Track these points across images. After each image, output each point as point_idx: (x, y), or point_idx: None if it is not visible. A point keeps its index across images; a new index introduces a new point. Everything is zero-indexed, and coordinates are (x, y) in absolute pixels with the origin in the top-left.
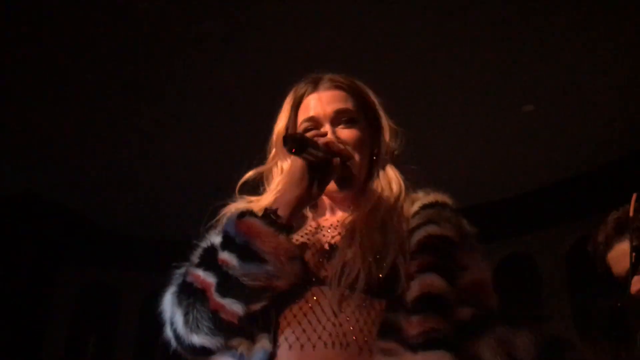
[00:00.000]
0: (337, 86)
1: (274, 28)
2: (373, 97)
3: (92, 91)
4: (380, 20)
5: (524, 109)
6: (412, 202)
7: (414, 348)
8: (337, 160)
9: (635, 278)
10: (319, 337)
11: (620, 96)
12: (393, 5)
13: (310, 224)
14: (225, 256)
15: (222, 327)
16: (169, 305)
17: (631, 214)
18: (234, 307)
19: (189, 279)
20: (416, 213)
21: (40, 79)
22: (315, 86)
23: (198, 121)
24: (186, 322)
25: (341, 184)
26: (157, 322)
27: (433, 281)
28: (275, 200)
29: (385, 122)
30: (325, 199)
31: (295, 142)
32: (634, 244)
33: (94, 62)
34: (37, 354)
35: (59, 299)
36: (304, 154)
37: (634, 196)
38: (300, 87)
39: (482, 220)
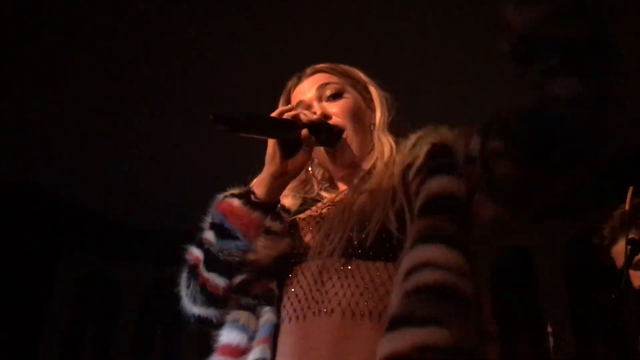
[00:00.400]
0: (318, 70)
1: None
2: (360, 73)
3: (90, 82)
4: (378, 18)
5: None
6: (410, 146)
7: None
8: (304, 132)
9: (635, 273)
10: (309, 307)
11: (627, 89)
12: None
13: (324, 202)
14: (207, 234)
15: (211, 299)
16: (181, 281)
17: (627, 207)
18: (216, 280)
19: (188, 256)
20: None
21: (37, 70)
22: (299, 78)
23: (198, 113)
24: (187, 295)
25: (333, 156)
26: (156, 312)
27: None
28: (254, 181)
29: (375, 92)
30: (334, 175)
31: (225, 121)
32: (629, 237)
33: (92, 53)
34: (35, 344)
35: (58, 289)
36: (250, 132)
37: (630, 189)
38: (288, 84)
39: None
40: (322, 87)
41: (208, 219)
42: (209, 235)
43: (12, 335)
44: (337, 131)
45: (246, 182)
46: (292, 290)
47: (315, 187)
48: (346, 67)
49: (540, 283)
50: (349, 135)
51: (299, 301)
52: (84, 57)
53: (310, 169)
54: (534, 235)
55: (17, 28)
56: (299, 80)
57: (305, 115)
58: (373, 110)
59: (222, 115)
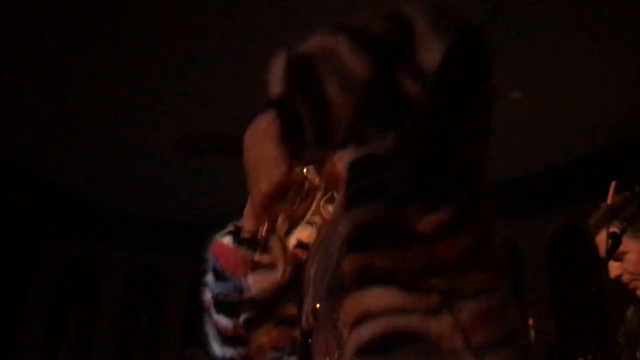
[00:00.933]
0: None
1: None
2: None
3: (76, 63)
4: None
5: (511, 97)
6: None
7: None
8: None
9: (613, 264)
10: (312, 348)
11: (607, 85)
12: None
13: (320, 225)
14: (208, 277)
15: (225, 339)
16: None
17: (609, 201)
18: (224, 322)
19: (203, 297)
20: None
21: (20, 50)
22: None
23: (184, 98)
24: (208, 336)
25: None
26: (140, 297)
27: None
28: (244, 213)
29: None
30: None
31: (186, 147)
32: (611, 230)
33: (77, 34)
34: (18, 327)
35: (41, 274)
36: (223, 153)
37: (613, 184)
38: None
39: None
40: None
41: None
42: (209, 278)
43: None
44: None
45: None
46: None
47: (320, 204)
48: None
49: (523, 276)
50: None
51: (299, 341)
52: (66, 33)
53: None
54: (518, 229)
55: None
56: None
57: None
58: None
59: (182, 144)
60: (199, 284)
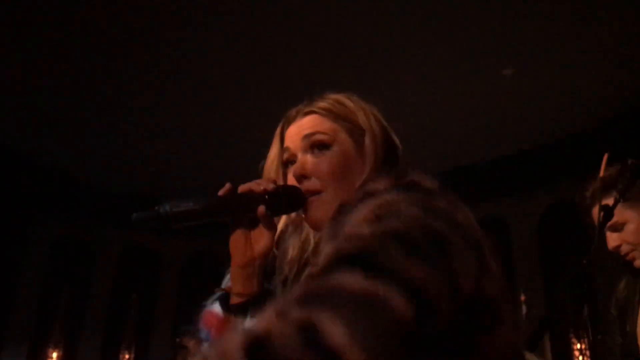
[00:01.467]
0: (311, 111)
1: None
2: (363, 115)
3: (67, 39)
4: None
5: (503, 73)
6: None
7: None
8: (260, 209)
9: (611, 235)
10: None
11: (598, 62)
12: None
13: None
14: (204, 348)
15: None
16: None
17: (601, 173)
18: None
19: None
20: None
21: (11, 28)
22: (295, 116)
23: (179, 75)
24: None
25: (305, 217)
26: (131, 276)
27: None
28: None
29: (369, 144)
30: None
31: (148, 222)
32: (603, 203)
33: (71, 11)
34: (10, 306)
35: (32, 253)
36: (190, 222)
37: (605, 156)
38: (286, 117)
39: (457, 183)
40: (308, 137)
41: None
42: (205, 349)
43: None
44: (300, 197)
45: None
46: None
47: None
48: (346, 108)
49: (514, 253)
50: (327, 197)
51: None
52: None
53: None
54: (509, 206)
55: None
56: (293, 119)
57: (258, 185)
58: (366, 160)
59: (144, 217)
60: (192, 263)
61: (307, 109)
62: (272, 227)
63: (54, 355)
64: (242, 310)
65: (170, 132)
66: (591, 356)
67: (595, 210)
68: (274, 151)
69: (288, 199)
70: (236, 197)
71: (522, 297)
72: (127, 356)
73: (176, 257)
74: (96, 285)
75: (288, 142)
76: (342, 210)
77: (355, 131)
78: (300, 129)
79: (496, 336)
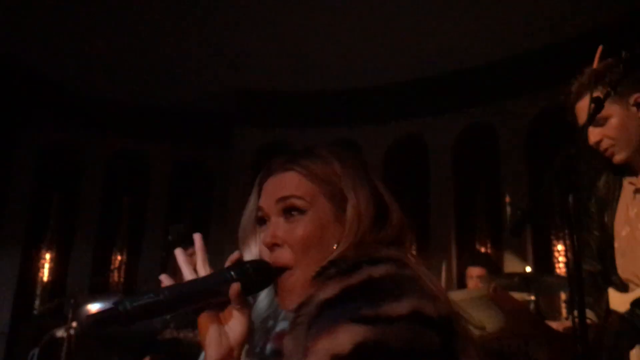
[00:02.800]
0: (288, 168)
1: None
2: (353, 179)
3: None
4: None
5: None
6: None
7: None
8: (235, 287)
9: (593, 130)
10: None
11: None
12: None
13: None
14: None
15: None
16: None
17: (595, 65)
18: None
19: None
20: None
21: None
22: (274, 169)
23: None
24: None
25: (281, 300)
26: (121, 179)
27: None
28: None
29: (351, 213)
30: None
31: (104, 320)
32: (594, 95)
33: None
34: (2, 210)
35: (23, 159)
36: (154, 316)
37: (599, 48)
38: (267, 167)
39: (446, 89)
40: (283, 200)
41: None
42: None
43: None
44: (270, 272)
45: None
46: None
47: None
48: (331, 169)
49: (502, 158)
50: (297, 274)
51: None
52: None
53: None
54: (497, 112)
55: None
56: (270, 173)
57: (232, 256)
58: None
59: (102, 317)
60: (180, 166)
61: (288, 165)
62: (247, 307)
63: (47, 256)
64: None
65: (159, 39)
66: (572, 251)
67: (580, 105)
68: (251, 204)
69: (257, 276)
70: (201, 281)
71: (507, 199)
72: (119, 257)
73: (165, 161)
74: (86, 189)
75: (263, 201)
76: (314, 305)
77: (337, 196)
78: (275, 188)
79: None
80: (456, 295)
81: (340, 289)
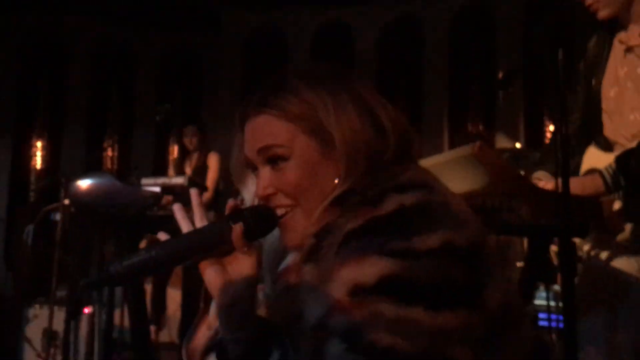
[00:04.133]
0: (260, 110)
1: None
2: (334, 108)
3: None
4: None
5: None
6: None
7: None
8: (237, 231)
9: None
10: None
11: None
12: None
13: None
14: None
15: None
16: None
17: None
18: None
19: None
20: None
21: None
22: (247, 111)
23: None
24: None
25: (287, 242)
26: (108, 68)
27: None
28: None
29: (342, 144)
30: None
31: (98, 283)
32: None
33: None
34: None
35: (5, 45)
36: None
37: None
38: (241, 107)
39: None
40: (263, 151)
41: None
42: None
43: None
44: (272, 216)
45: None
46: None
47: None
48: (306, 103)
49: (497, 41)
50: (300, 213)
51: None
52: None
53: None
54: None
55: None
56: (247, 115)
57: (230, 203)
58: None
59: (95, 280)
60: (168, 56)
61: (260, 107)
62: (252, 251)
63: (39, 144)
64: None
65: None
66: (560, 108)
67: None
68: (236, 147)
69: (256, 222)
70: (196, 233)
71: (500, 76)
72: (111, 143)
73: (153, 50)
74: (74, 78)
75: (246, 150)
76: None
77: (318, 131)
78: (254, 137)
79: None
80: (443, 157)
81: (368, 219)
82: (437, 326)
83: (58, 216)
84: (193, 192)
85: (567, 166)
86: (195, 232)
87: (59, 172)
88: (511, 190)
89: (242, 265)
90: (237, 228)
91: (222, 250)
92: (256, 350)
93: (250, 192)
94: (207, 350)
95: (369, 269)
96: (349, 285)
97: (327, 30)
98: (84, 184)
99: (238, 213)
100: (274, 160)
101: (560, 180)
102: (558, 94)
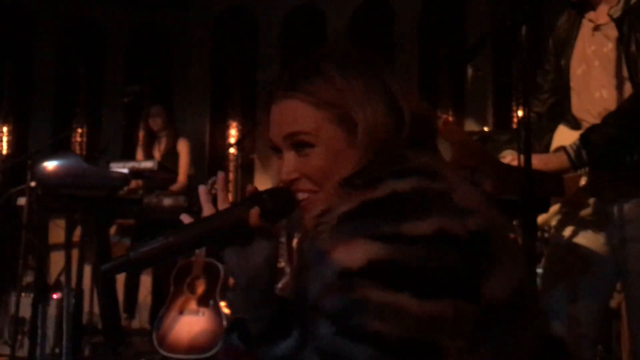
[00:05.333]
0: (289, 95)
1: None
2: (361, 97)
3: None
4: None
5: None
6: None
7: None
8: (254, 214)
9: None
10: None
11: None
12: None
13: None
14: None
15: None
16: None
17: None
18: None
19: None
20: None
21: None
22: (274, 93)
23: None
24: None
25: (308, 224)
26: (75, 48)
27: None
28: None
29: (363, 133)
30: None
31: (117, 268)
32: None
33: None
34: None
35: None
36: (176, 254)
37: None
38: (269, 90)
39: None
40: (289, 137)
41: None
42: None
43: None
44: (291, 198)
45: None
46: None
47: None
48: (335, 89)
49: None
50: (322, 196)
51: None
52: None
53: None
54: None
55: None
56: (274, 97)
57: (249, 188)
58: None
59: (115, 265)
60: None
61: (289, 91)
62: (270, 233)
63: (5, 129)
64: (265, 337)
65: None
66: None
67: None
68: (261, 127)
69: (274, 204)
70: (214, 218)
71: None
72: (79, 127)
73: (121, 30)
74: (40, 59)
75: (272, 134)
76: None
77: (346, 118)
78: (281, 121)
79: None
80: None
81: (361, 202)
82: (424, 314)
83: (24, 201)
84: (220, 175)
85: (529, 142)
86: (214, 215)
87: (25, 154)
88: (475, 164)
89: (260, 246)
90: (254, 211)
91: (242, 233)
92: (276, 328)
93: (274, 173)
94: (227, 330)
95: (357, 253)
96: (338, 267)
97: (299, 12)
98: (50, 165)
99: (257, 196)
100: (300, 146)
101: (523, 156)
102: (523, 70)
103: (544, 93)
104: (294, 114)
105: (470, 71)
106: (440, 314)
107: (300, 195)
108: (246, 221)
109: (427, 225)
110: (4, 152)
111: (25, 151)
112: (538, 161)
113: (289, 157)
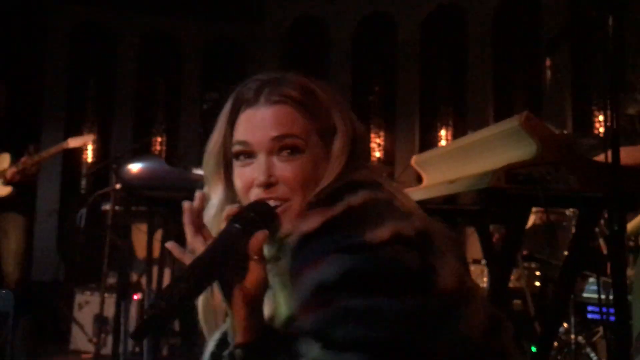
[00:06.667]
0: (280, 100)
1: None
2: (341, 110)
3: None
4: None
5: None
6: None
7: None
8: (257, 239)
9: None
10: None
11: None
12: None
13: None
14: None
15: None
16: None
17: None
18: None
19: None
20: None
21: None
22: (255, 98)
23: None
24: None
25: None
26: (154, 60)
27: None
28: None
29: (337, 147)
30: None
31: (147, 330)
32: None
33: None
34: (40, 93)
35: (55, 40)
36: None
37: None
38: (239, 95)
39: None
40: (280, 139)
41: None
42: None
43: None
44: (271, 212)
45: None
46: None
47: None
48: (320, 103)
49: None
50: (295, 206)
51: None
52: None
53: None
54: None
55: None
56: (253, 102)
57: (228, 212)
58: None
59: (144, 329)
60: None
61: (276, 97)
62: (263, 258)
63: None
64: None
65: None
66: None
67: None
68: (216, 135)
69: (260, 219)
70: (214, 248)
71: (548, 63)
72: (159, 138)
73: (197, 41)
74: (122, 71)
75: (248, 135)
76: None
77: (327, 132)
78: (267, 123)
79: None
80: (489, 130)
81: (323, 221)
82: (401, 311)
83: (109, 206)
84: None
85: (616, 137)
86: (210, 249)
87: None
88: (560, 159)
89: (257, 271)
90: (260, 234)
91: (237, 262)
92: (264, 355)
93: (217, 193)
94: None
95: (330, 268)
96: (313, 286)
97: (370, 20)
98: (134, 167)
99: (241, 214)
100: (290, 149)
101: (610, 151)
102: (610, 67)
103: (635, 92)
104: (289, 118)
105: (547, 62)
106: (416, 307)
107: (272, 203)
108: (243, 246)
109: (384, 231)
110: (89, 160)
111: (108, 157)
112: (625, 155)
113: (269, 160)
